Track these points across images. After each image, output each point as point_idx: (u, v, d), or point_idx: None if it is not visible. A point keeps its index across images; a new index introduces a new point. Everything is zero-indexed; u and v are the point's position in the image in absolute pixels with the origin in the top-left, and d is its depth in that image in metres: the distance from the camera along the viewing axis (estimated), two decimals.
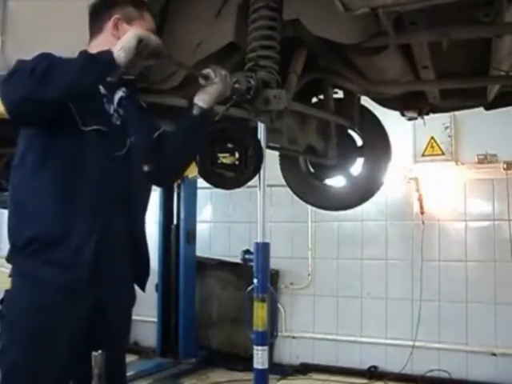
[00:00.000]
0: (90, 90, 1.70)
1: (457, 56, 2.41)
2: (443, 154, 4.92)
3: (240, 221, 5.64)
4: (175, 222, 5.61)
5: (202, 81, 1.87)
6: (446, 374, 4.74)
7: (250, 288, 3.02)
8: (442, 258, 4.91)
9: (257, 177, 2.59)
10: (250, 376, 3.05)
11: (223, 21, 2.07)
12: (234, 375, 5.08)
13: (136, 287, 1.91)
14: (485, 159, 4.78)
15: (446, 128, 4.89)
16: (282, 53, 2.10)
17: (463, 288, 4.79)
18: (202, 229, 5.76)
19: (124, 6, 1.84)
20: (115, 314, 1.79)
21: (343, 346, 5.22)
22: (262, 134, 2.56)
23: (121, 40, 1.64)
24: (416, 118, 3.15)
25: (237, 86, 1.95)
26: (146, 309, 4.95)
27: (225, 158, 2.57)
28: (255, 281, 2.89)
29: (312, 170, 3.30)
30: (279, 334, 5.04)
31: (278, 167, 3.35)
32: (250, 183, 2.50)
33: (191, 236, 5.51)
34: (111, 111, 1.81)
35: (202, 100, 1.87)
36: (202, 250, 5.71)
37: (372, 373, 4.99)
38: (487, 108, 2.98)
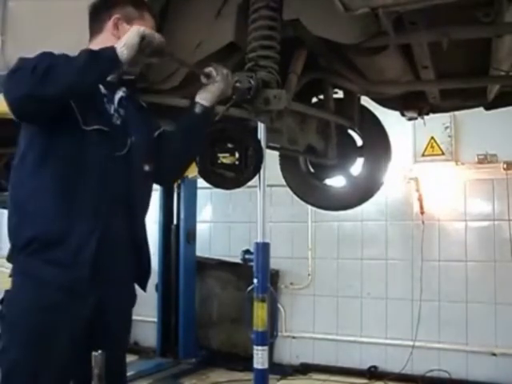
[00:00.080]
0: (93, 86, 1.71)
1: (457, 56, 2.41)
2: (443, 154, 4.92)
3: (240, 221, 5.64)
4: (175, 221, 5.61)
5: (203, 79, 1.88)
6: (446, 374, 4.74)
7: (250, 288, 3.02)
8: (442, 258, 4.91)
9: (257, 177, 2.59)
10: (250, 376, 3.05)
11: (223, 21, 2.07)
12: (233, 375, 5.08)
13: (137, 287, 1.91)
14: (485, 159, 4.78)
15: (446, 128, 4.89)
16: (282, 53, 2.10)
17: (463, 288, 4.79)
18: (201, 229, 5.76)
19: (124, 5, 1.84)
20: (115, 314, 1.79)
21: (343, 346, 5.22)
22: (262, 133, 2.56)
23: (124, 37, 1.65)
24: (416, 118, 3.15)
25: (238, 84, 1.96)
26: (145, 309, 4.95)
27: (225, 158, 2.57)
28: (255, 281, 2.89)
29: (312, 170, 3.30)
30: (279, 333, 5.04)
31: (278, 167, 3.35)
32: (250, 183, 2.50)
33: (191, 236, 5.51)
34: (112, 111, 1.81)
35: (203, 98, 1.88)
36: (202, 250, 5.71)
37: (372, 373, 5.00)
38: (487, 108, 2.98)
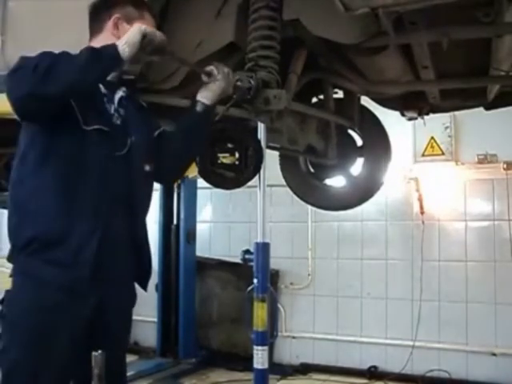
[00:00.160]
0: (95, 84, 1.71)
1: (457, 56, 2.41)
2: (443, 154, 4.92)
3: (240, 221, 5.64)
4: (175, 221, 5.61)
5: (204, 78, 1.88)
6: (446, 374, 4.74)
7: (250, 288, 3.02)
8: (442, 258, 4.91)
9: (257, 177, 2.58)
10: (250, 376, 3.05)
11: (223, 21, 2.07)
12: (233, 375, 5.08)
13: (137, 287, 1.91)
14: (485, 159, 4.78)
15: (446, 128, 4.89)
16: (282, 53, 2.10)
17: (463, 288, 4.79)
18: (201, 229, 5.76)
19: (124, 5, 1.84)
20: (116, 314, 1.79)
21: (343, 346, 5.22)
22: (262, 133, 2.56)
23: (126, 35, 1.65)
24: (416, 118, 3.15)
25: (239, 84, 1.96)
26: (146, 309, 4.95)
27: (225, 158, 2.57)
28: (255, 281, 2.88)
29: (312, 170, 3.30)
30: (279, 333, 5.04)
31: (278, 167, 3.35)
32: (250, 183, 2.50)
33: (191, 236, 5.51)
34: (112, 111, 1.81)
35: (204, 97, 1.88)
36: (202, 250, 5.71)
37: (372, 373, 4.99)
38: (487, 108, 2.98)
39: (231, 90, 1.93)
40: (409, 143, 4.96)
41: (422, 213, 4.95)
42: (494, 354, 4.64)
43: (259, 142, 2.51)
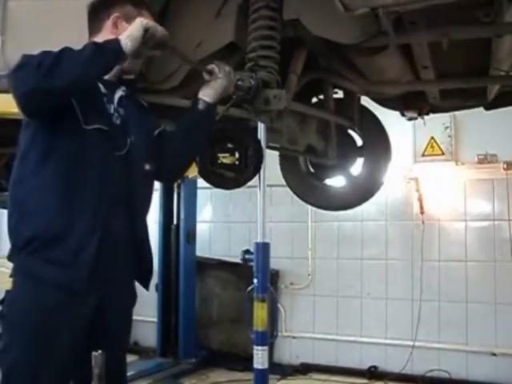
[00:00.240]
0: (98, 78, 1.72)
1: (457, 56, 2.41)
2: (443, 154, 4.92)
3: (240, 221, 5.64)
4: (175, 221, 5.61)
5: (206, 76, 1.88)
6: (446, 374, 4.74)
7: (250, 288, 3.02)
8: (442, 258, 4.91)
9: (257, 177, 2.58)
10: (250, 376, 3.05)
11: (223, 21, 2.07)
12: (234, 375, 5.08)
13: (138, 287, 1.91)
14: (485, 159, 4.78)
15: (446, 128, 4.88)
16: (282, 53, 2.10)
17: (463, 288, 4.78)
18: (201, 229, 5.75)
19: (123, 4, 1.85)
20: (116, 314, 1.79)
21: (343, 346, 5.22)
22: (262, 133, 2.56)
23: (128, 29, 1.66)
24: (416, 118, 3.15)
25: (240, 83, 1.96)
26: (146, 309, 4.95)
27: (225, 158, 2.57)
28: (255, 281, 2.88)
29: (312, 170, 3.30)
30: (279, 333, 5.04)
31: (278, 167, 3.35)
32: (250, 183, 2.49)
33: (191, 236, 5.51)
34: (111, 110, 1.81)
35: (206, 95, 1.88)
36: (202, 250, 5.71)
37: (372, 373, 4.99)
38: (487, 108, 2.98)
39: (232, 88, 1.93)
40: (409, 143, 4.96)
41: (422, 213, 4.95)
42: (494, 354, 4.64)
43: (259, 142, 2.50)
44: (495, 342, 4.64)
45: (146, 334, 5.71)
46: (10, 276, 1.74)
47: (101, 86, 1.79)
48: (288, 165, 3.31)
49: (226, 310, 5.57)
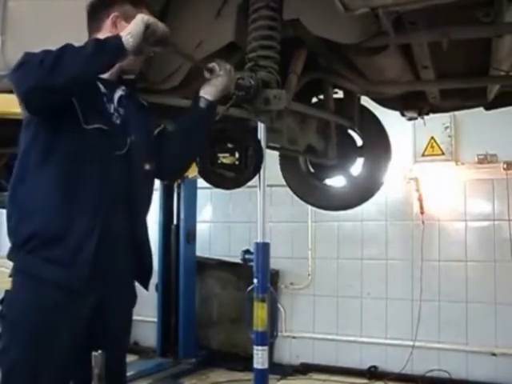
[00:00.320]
0: (99, 75, 1.72)
1: (457, 56, 2.41)
2: (443, 154, 4.92)
3: (240, 221, 5.64)
4: (175, 221, 5.61)
5: (206, 74, 1.89)
6: (446, 374, 4.74)
7: (250, 288, 3.02)
8: (442, 258, 4.91)
9: (257, 177, 2.58)
10: (250, 376, 3.05)
11: (223, 21, 2.07)
12: (234, 375, 5.08)
13: (138, 287, 1.91)
14: (485, 159, 4.78)
15: (446, 128, 4.88)
16: (282, 53, 2.10)
17: (463, 288, 4.79)
18: (201, 229, 5.75)
19: (122, 3, 1.85)
20: (115, 314, 1.79)
21: (343, 346, 5.22)
22: (262, 133, 2.56)
23: (129, 26, 1.65)
24: (416, 118, 3.15)
25: (240, 81, 1.96)
26: (146, 309, 4.95)
27: (225, 158, 2.57)
28: (255, 281, 2.88)
29: (312, 170, 3.30)
30: (279, 333, 5.04)
31: (278, 167, 3.35)
32: (250, 183, 2.49)
33: (191, 236, 5.51)
34: (111, 110, 1.81)
35: (207, 92, 1.89)
36: (202, 250, 5.71)
37: (372, 373, 4.99)
38: (487, 108, 2.98)
39: (233, 86, 1.93)
40: (409, 143, 4.96)
41: (422, 213, 4.95)
42: (494, 354, 4.64)
43: (259, 142, 2.51)
44: (495, 342, 4.64)
45: (145, 334, 5.71)
46: (10, 276, 1.74)
47: (100, 85, 1.79)
48: (288, 165, 3.31)
49: (225, 310, 5.57)
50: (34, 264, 1.68)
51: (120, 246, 1.78)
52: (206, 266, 5.69)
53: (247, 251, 4.46)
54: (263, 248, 2.95)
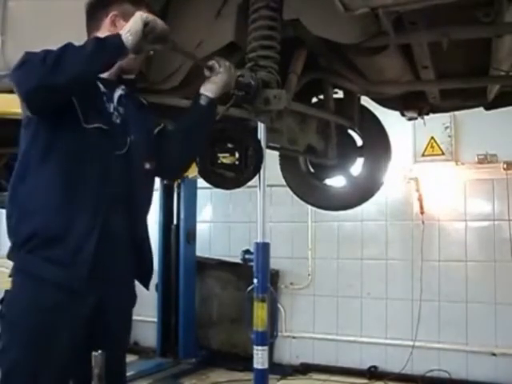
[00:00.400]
0: (100, 73, 1.72)
1: (457, 56, 2.41)
2: (443, 154, 4.92)
3: (240, 221, 5.64)
4: (175, 221, 5.61)
5: (206, 72, 1.89)
6: (446, 374, 4.74)
7: (250, 288, 3.02)
8: (442, 258, 4.91)
9: (257, 177, 2.58)
10: (250, 376, 3.05)
11: (223, 21, 2.07)
12: (234, 375, 5.08)
13: (138, 286, 1.91)
14: (485, 159, 4.78)
15: (446, 128, 4.88)
16: (282, 53, 2.10)
17: (463, 288, 4.79)
18: (201, 229, 5.75)
19: (121, 2, 1.85)
20: (115, 314, 1.79)
21: (343, 346, 5.22)
22: (262, 133, 2.56)
23: (128, 23, 1.65)
24: (416, 118, 3.15)
25: (241, 79, 1.96)
26: (146, 309, 4.95)
27: (225, 158, 2.57)
28: (255, 281, 2.88)
29: (312, 170, 3.30)
30: (279, 333, 5.04)
31: (278, 167, 3.35)
32: (250, 183, 2.49)
33: (191, 236, 5.51)
34: (111, 109, 1.81)
35: (208, 90, 1.89)
36: (202, 250, 5.71)
37: (372, 373, 4.99)
38: (487, 108, 2.98)
39: (233, 84, 1.93)
40: (409, 143, 4.96)
41: (422, 213, 4.95)
42: (494, 354, 4.64)
43: (259, 142, 2.50)
44: (495, 342, 4.64)
45: (146, 334, 5.72)
46: (10, 275, 1.74)
47: (100, 84, 1.79)
48: (288, 165, 3.31)
49: (226, 310, 5.57)
50: (34, 264, 1.68)
51: (120, 246, 1.78)
52: (206, 265, 5.69)
53: (247, 251, 4.46)
54: (263, 248, 2.94)
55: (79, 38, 1.78)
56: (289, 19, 2.04)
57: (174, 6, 2.12)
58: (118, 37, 1.63)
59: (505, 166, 4.70)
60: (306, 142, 2.80)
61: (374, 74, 2.48)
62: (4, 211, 1.74)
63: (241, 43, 2.08)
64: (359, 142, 3.17)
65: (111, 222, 1.74)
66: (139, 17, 1.64)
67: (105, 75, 1.78)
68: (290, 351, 5.45)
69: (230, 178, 2.51)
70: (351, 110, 2.90)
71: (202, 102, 1.89)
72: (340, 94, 2.90)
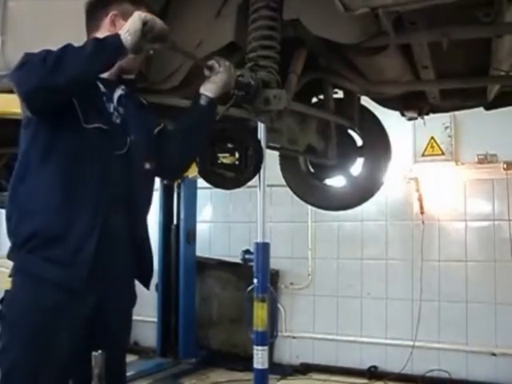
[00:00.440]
0: (100, 74, 1.72)
1: (457, 56, 2.41)
2: (443, 154, 4.92)
3: (240, 221, 5.64)
4: (175, 221, 5.61)
5: (206, 72, 1.89)
6: (446, 374, 4.74)
7: (250, 288, 3.02)
8: (442, 258, 4.91)
9: (257, 177, 2.58)
10: (250, 376, 3.05)
11: (223, 21, 2.07)
12: (233, 375, 5.08)
13: (138, 286, 1.91)
14: (485, 159, 4.78)
15: (446, 128, 4.88)
16: (282, 53, 2.10)
17: (463, 288, 4.79)
18: (201, 229, 5.75)
19: (121, 2, 1.85)
20: (115, 314, 1.79)
21: (343, 346, 5.22)
22: (262, 133, 2.56)
23: (127, 23, 1.65)
24: (416, 118, 3.15)
25: (241, 79, 1.96)
26: (146, 309, 4.95)
27: (225, 158, 2.57)
28: (255, 281, 2.88)
29: (312, 170, 3.30)
30: (279, 333, 5.04)
31: (278, 167, 3.35)
32: (250, 183, 2.49)
33: (191, 236, 5.51)
34: (111, 109, 1.81)
35: (207, 90, 1.89)
36: (202, 250, 5.71)
37: (372, 373, 4.99)
38: (487, 108, 2.98)
39: (233, 83, 1.92)
40: (409, 143, 4.96)
41: (422, 213, 4.95)
42: (494, 354, 4.64)
43: (259, 142, 2.50)
44: (495, 342, 4.64)
45: (146, 334, 5.71)
46: (10, 276, 1.74)
47: (100, 84, 1.79)
48: (288, 165, 3.31)
49: (226, 310, 5.57)
50: (34, 264, 1.68)
51: (120, 246, 1.78)
52: (206, 265, 5.69)
53: (247, 251, 4.46)
54: (263, 248, 2.94)
55: (79, 38, 1.79)
56: (289, 19, 2.03)
57: (174, 6, 2.12)
58: (117, 37, 1.63)
59: (505, 166, 4.70)
60: (305, 142, 2.80)
61: (374, 74, 2.48)
62: (4, 211, 1.74)
63: (241, 43, 2.08)
64: (359, 141, 3.17)
65: (111, 221, 1.74)
66: (137, 16, 1.64)
67: (105, 75, 1.78)
68: (290, 351, 5.45)
69: (230, 178, 2.51)
70: (351, 109, 2.90)
71: (202, 101, 1.89)
72: (340, 94, 2.90)
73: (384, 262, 5.11)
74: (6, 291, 1.72)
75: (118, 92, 1.85)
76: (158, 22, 1.67)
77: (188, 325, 5.43)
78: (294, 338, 5.44)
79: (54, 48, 1.61)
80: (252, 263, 3.01)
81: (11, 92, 1.70)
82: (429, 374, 4.78)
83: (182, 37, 2.05)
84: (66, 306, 1.68)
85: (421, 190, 4.97)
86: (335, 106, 2.77)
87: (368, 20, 1.94)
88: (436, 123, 4.65)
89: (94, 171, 1.72)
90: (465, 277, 4.79)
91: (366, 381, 4.95)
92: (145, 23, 1.63)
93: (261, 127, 2.55)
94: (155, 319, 5.58)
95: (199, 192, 5.59)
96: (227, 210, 5.84)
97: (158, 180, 2.10)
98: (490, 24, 2.02)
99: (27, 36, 2.15)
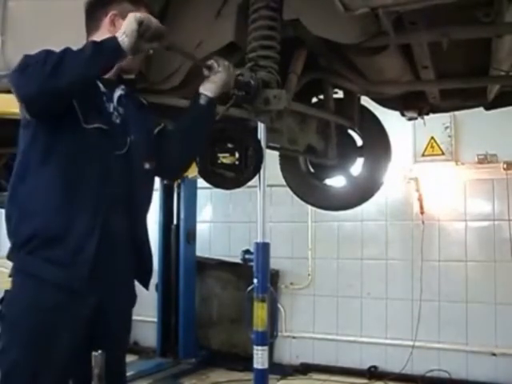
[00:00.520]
0: (99, 77, 1.72)
1: (457, 56, 2.41)
2: (443, 154, 4.92)
3: (240, 221, 5.64)
4: (175, 221, 5.61)
5: (205, 72, 1.89)
6: (446, 374, 4.74)
7: (250, 288, 3.02)
8: (442, 258, 4.91)
9: (257, 177, 2.58)
10: (250, 376, 3.05)
11: (223, 21, 2.07)
12: (233, 375, 5.08)
13: (138, 286, 1.91)
14: (485, 159, 4.78)
15: (446, 128, 4.89)
16: (282, 53, 2.10)
17: (463, 288, 4.79)
18: (201, 229, 5.76)
19: (120, 2, 1.85)
20: (115, 314, 1.79)
21: (343, 346, 5.22)
22: (262, 133, 2.56)
23: (123, 25, 1.65)
24: (416, 118, 3.15)
25: (240, 78, 1.96)
26: (146, 309, 4.95)
27: (225, 158, 2.57)
28: (255, 281, 2.88)
29: (312, 170, 3.30)
30: (279, 333, 5.03)
31: (278, 167, 3.35)
32: (250, 183, 2.50)
33: (191, 236, 5.51)
34: (111, 109, 1.81)
35: (207, 89, 1.88)
36: (202, 250, 5.71)
37: (372, 373, 4.99)
38: (487, 108, 2.99)
39: (233, 83, 1.92)
40: (409, 143, 4.96)
41: (422, 213, 4.95)
42: (494, 354, 4.64)
43: (259, 142, 2.51)
44: (495, 342, 4.65)
45: (145, 334, 5.72)
46: (10, 276, 1.74)
47: (100, 84, 1.79)
48: (288, 165, 3.31)
49: (225, 310, 5.57)
50: (34, 264, 1.68)
51: (120, 246, 1.78)
52: (205, 266, 5.69)
53: (247, 251, 4.46)
54: (263, 248, 2.95)
55: (79, 38, 1.79)
56: (289, 19, 2.04)
57: (174, 7, 2.12)
58: (114, 39, 1.62)
59: (505, 166, 4.70)
60: (305, 142, 2.80)
61: (374, 74, 2.48)
62: (3, 211, 1.74)
63: (241, 43, 2.08)
64: (359, 141, 3.17)
65: (111, 222, 1.74)
66: (133, 17, 1.64)
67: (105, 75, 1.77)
68: (290, 351, 5.45)
69: (230, 178, 2.51)
70: (351, 109, 2.90)
71: (202, 101, 1.88)
72: (340, 94, 2.90)
73: (384, 262, 5.11)
74: (6, 291, 1.72)
75: (118, 92, 1.84)
76: (154, 20, 1.67)
77: (188, 325, 5.43)
78: (293, 337, 5.44)
79: (54, 48, 1.61)
80: (252, 263, 3.01)
81: (11, 92, 1.70)
82: (429, 374, 4.78)
83: (181, 37, 2.05)
84: (66, 307, 1.67)
85: (421, 190, 4.97)
86: (335, 106, 2.77)
87: (368, 20, 1.94)
88: (436, 123, 4.65)
89: (93, 171, 1.72)
90: (465, 277, 4.79)
91: (365, 381, 4.95)
92: (140, 23, 1.62)
93: (261, 127, 2.56)
94: (155, 319, 5.58)
95: (199, 192, 5.59)
96: (227, 209, 5.84)
97: (157, 180, 2.10)
98: (490, 24, 2.03)
99: (27, 36, 2.15)
